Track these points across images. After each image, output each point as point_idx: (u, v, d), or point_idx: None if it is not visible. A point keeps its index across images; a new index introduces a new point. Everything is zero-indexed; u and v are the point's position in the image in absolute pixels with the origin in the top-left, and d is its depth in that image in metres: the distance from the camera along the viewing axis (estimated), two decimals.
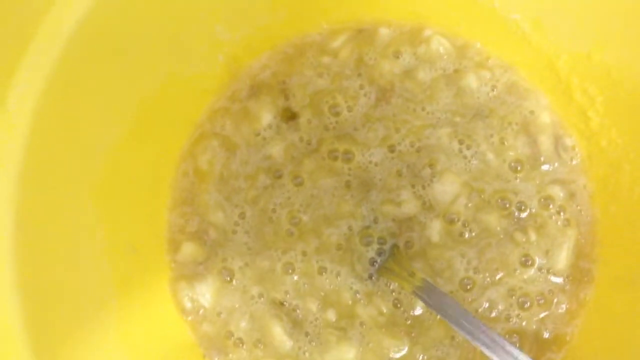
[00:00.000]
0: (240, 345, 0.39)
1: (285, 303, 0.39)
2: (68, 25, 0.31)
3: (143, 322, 0.37)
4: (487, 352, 0.34)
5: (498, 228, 0.39)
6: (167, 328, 0.39)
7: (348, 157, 0.41)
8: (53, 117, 0.32)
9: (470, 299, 0.39)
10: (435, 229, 0.39)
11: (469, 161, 0.40)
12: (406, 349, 0.39)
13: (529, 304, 0.39)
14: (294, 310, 0.39)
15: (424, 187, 0.40)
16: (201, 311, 0.40)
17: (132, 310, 0.37)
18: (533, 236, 0.39)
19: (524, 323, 0.39)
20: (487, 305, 0.39)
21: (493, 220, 0.39)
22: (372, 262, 0.39)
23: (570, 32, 0.39)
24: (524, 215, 0.40)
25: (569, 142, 0.41)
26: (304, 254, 0.40)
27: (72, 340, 0.32)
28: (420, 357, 0.38)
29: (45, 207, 0.32)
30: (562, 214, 0.40)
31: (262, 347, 0.39)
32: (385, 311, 0.39)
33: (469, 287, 0.39)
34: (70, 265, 0.34)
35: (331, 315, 0.39)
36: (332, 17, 0.43)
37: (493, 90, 0.42)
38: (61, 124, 0.32)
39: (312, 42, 0.43)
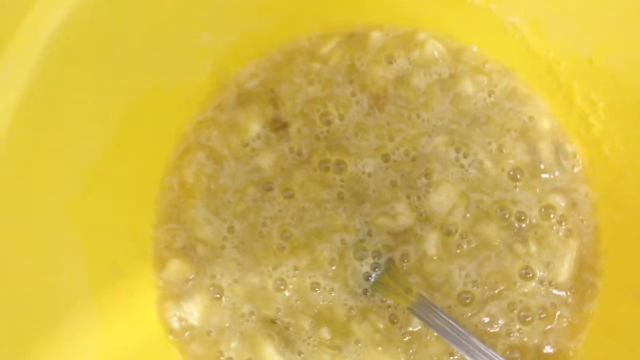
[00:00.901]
0: None
1: (277, 321, 0.38)
2: (46, 32, 0.30)
3: (128, 344, 0.36)
4: None
5: (497, 240, 0.38)
6: (154, 350, 0.37)
7: (340, 167, 0.39)
8: (30, 127, 0.30)
9: (469, 314, 0.37)
10: (432, 242, 0.38)
11: (466, 170, 0.39)
12: None
13: (530, 318, 0.37)
14: (286, 328, 0.38)
15: (419, 198, 0.39)
16: (188, 332, 0.38)
17: (116, 333, 0.35)
18: (533, 247, 0.38)
19: (525, 338, 0.37)
20: (487, 320, 0.37)
21: (492, 231, 0.38)
22: (367, 276, 0.38)
23: (570, 35, 0.38)
24: (523, 225, 0.38)
25: (569, 149, 0.40)
26: (296, 269, 0.38)
27: None
28: None
29: (18, 224, 0.30)
30: (563, 224, 0.39)
31: None
32: (381, 327, 0.37)
33: (467, 301, 0.37)
34: (48, 285, 0.32)
35: (325, 333, 0.37)
36: (322, 22, 0.41)
37: (490, 95, 0.40)
38: (38, 135, 0.31)
39: (302, 48, 0.41)
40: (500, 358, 0.33)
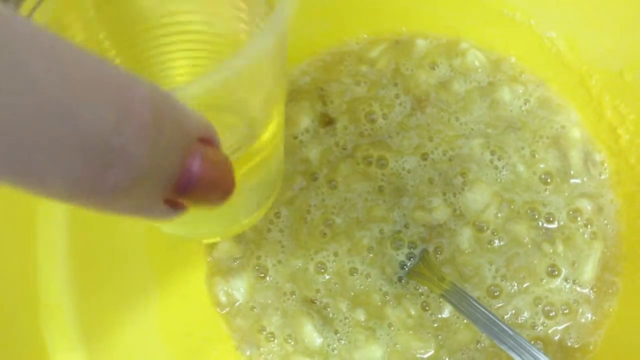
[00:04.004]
0: (272, 339, 0.40)
1: (316, 301, 0.40)
2: None
3: (181, 313, 0.39)
4: (513, 356, 0.35)
5: (526, 238, 0.41)
6: (203, 320, 0.40)
7: (382, 163, 0.42)
8: None
9: (497, 306, 0.40)
10: (465, 236, 0.41)
11: (500, 172, 0.42)
12: (432, 351, 0.40)
13: (554, 313, 0.40)
14: (325, 308, 0.40)
15: (455, 195, 0.41)
16: (234, 307, 0.41)
17: (171, 303, 0.38)
18: (560, 247, 0.40)
19: (549, 331, 0.40)
20: (513, 312, 0.40)
21: (522, 230, 0.41)
22: (402, 265, 0.41)
23: (603, 51, 0.40)
24: (552, 226, 0.41)
25: (598, 157, 0.42)
26: (336, 254, 0.41)
27: (119, 327, 0.34)
28: None
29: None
30: (589, 227, 0.41)
31: (292, 342, 0.40)
32: (413, 313, 0.40)
33: (496, 294, 0.40)
34: (117, 260, 0.35)
35: (360, 315, 0.40)
36: (371, 28, 0.44)
37: (526, 104, 0.43)
38: None
39: (351, 51, 0.44)
40: (527, 343, 0.35)
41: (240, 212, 0.34)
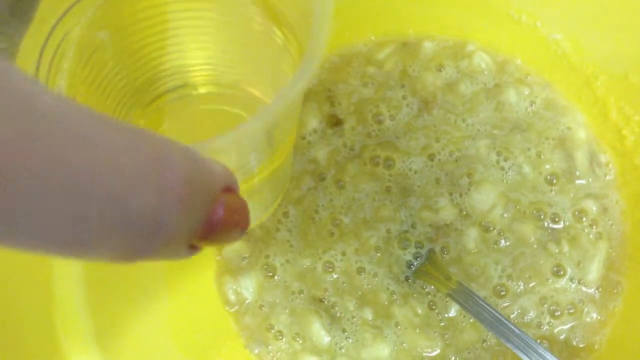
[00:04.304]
0: (280, 337, 0.40)
1: (324, 300, 0.41)
2: None
3: (190, 312, 0.39)
4: (519, 354, 0.35)
5: (532, 238, 0.41)
6: (212, 319, 0.41)
7: (389, 163, 0.43)
8: None
9: (503, 305, 0.40)
10: (471, 236, 0.41)
11: (506, 172, 0.42)
12: (439, 350, 0.40)
13: (559, 312, 0.40)
14: (333, 307, 0.41)
15: (461, 196, 0.42)
16: (243, 305, 0.41)
17: (181, 301, 0.39)
18: (566, 247, 0.41)
19: (554, 330, 0.40)
20: (519, 311, 0.40)
21: (528, 230, 0.41)
22: (409, 265, 0.41)
23: (608, 53, 0.41)
24: (557, 227, 0.41)
25: (603, 158, 0.43)
26: (344, 254, 0.41)
27: (131, 325, 0.35)
28: (453, 359, 0.40)
29: None
30: (594, 227, 0.42)
31: (300, 340, 0.40)
32: (420, 312, 0.40)
33: (502, 293, 0.40)
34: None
35: (368, 314, 0.40)
36: (379, 30, 0.45)
37: (531, 105, 0.43)
38: None
39: (359, 52, 0.45)
40: (533, 342, 0.35)
41: (254, 214, 0.34)
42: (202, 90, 0.33)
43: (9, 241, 0.13)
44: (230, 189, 0.18)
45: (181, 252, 0.18)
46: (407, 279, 0.41)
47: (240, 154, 0.25)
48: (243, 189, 0.21)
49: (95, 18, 0.28)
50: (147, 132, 0.15)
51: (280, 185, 0.37)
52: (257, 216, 0.38)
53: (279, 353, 0.40)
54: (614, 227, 0.42)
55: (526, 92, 0.44)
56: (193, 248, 0.18)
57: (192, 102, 0.33)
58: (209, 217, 0.17)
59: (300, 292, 0.41)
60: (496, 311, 0.37)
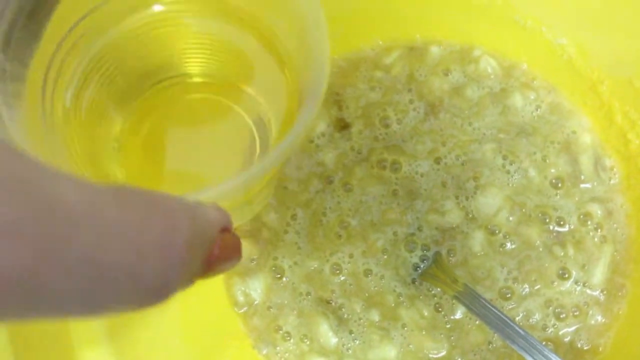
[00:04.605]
0: (288, 338, 0.41)
1: (331, 301, 0.41)
2: None
3: (200, 312, 0.40)
4: (525, 356, 0.36)
5: (538, 241, 0.41)
6: (221, 319, 0.41)
7: (396, 167, 0.43)
8: None
9: (508, 308, 0.41)
10: (477, 239, 0.41)
11: (512, 176, 0.43)
12: (445, 351, 0.40)
13: (564, 315, 0.41)
14: (340, 308, 0.41)
15: (467, 199, 0.42)
16: (251, 306, 0.42)
17: (191, 302, 0.39)
18: (571, 250, 0.41)
19: (559, 332, 0.40)
20: (524, 314, 0.41)
21: (533, 233, 0.41)
22: (416, 267, 0.41)
23: (613, 58, 0.41)
24: (563, 230, 0.42)
25: (608, 162, 0.43)
26: (351, 256, 0.42)
27: (141, 325, 0.35)
28: None
29: None
30: (599, 230, 0.42)
31: (308, 342, 0.41)
32: (426, 314, 0.41)
33: (508, 295, 0.41)
34: None
35: (375, 316, 0.41)
36: (386, 35, 0.45)
37: (537, 109, 0.44)
38: None
39: (366, 57, 0.46)
40: (538, 343, 0.36)
41: (242, 217, 0.36)
42: (197, 79, 0.35)
43: (28, 316, 0.14)
44: (225, 229, 0.20)
45: (182, 289, 0.19)
46: (413, 281, 0.41)
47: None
48: (228, 205, 0.22)
49: (99, 24, 0.28)
50: (159, 201, 0.17)
51: (270, 191, 0.39)
52: (245, 217, 0.39)
53: (287, 354, 0.41)
54: (618, 230, 0.42)
55: (532, 97, 0.44)
56: (190, 282, 0.20)
57: (187, 89, 0.35)
58: (206, 259, 0.19)
59: (308, 293, 0.42)
60: (502, 313, 0.37)
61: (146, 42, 0.31)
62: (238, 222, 0.39)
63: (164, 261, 0.16)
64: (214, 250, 0.19)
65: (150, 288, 0.16)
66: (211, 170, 0.33)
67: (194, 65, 0.34)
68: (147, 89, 0.33)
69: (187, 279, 0.18)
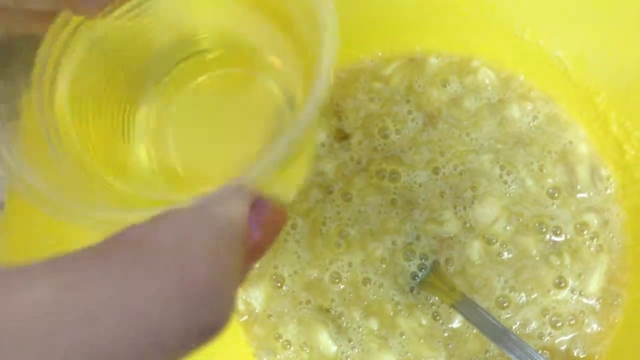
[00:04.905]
0: (288, 347, 0.42)
1: (331, 310, 0.42)
2: None
3: None
4: None
5: (534, 250, 0.42)
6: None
7: (394, 177, 0.44)
8: None
9: (505, 316, 0.41)
10: (474, 249, 0.42)
11: (509, 186, 0.43)
12: (443, 359, 0.41)
13: (560, 323, 0.41)
14: (339, 317, 0.42)
15: (465, 209, 0.43)
16: (252, 315, 0.43)
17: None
18: (567, 260, 0.42)
19: (556, 341, 0.41)
20: (521, 322, 0.41)
21: (530, 242, 0.42)
22: (414, 276, 0.42)
23: (609, 70, 0.42)
24: (559, 239, 0.42)
25: (604, 172, 0.44)
26: (350, 265, 0.42)
27: None
28: None
29: None
30: (595, 240, 0.42)
31: (308, 350, 0.41)
32: (424, 323, 0.41)
33: (505, 304, 0.41)
34: None
35: (373, 324, 0.42)
36: (386, 46, 0.46)
37: (534, 120, 0.44)
38: None
39: (366, 68, 0.46)
40: (535, 352, 0.36)
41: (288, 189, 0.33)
42: (216, 53, 0.33)
43: None
44: (259, 204, 0.19)
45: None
46: (411, 290, 0.42)
47: None
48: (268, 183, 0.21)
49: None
50: (157, 260, 0.16)
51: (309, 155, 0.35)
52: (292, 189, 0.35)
53: None
54: (614, 239, 0.43)
55: (529, 108, 0.45)
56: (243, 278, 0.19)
57: (206, 67, 0.33)
58: (246, 253, 0.18)
59: (308, 302, 0.42)
60: (499, 322, 0.38)
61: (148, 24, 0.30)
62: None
63: (211, 305, 0.16)
64: (250, 240, 0.18)
65: (212, 327, 0.16)
66: (244, 144, 0.31)
67: (209, 40, 0.32)
68: (163, 74, 0.32)
69: (238, 281, 0.17)
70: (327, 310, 0.42)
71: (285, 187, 0.32)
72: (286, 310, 0.42)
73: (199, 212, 0.17)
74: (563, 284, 0.42)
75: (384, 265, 0.42)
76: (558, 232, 0.42)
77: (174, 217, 0.17)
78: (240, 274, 0.18)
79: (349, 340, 0.41)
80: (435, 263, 0.42)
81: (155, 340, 0.14)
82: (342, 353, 0.41)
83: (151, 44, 0.31)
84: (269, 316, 0.42)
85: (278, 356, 0.42)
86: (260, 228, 0.19)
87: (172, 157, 0.31)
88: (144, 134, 0.31)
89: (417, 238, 0.43)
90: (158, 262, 0.15)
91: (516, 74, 0.45)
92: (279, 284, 0.43)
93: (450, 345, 0.41)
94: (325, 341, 0.41)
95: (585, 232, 0.42)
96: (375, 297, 0.42)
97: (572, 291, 0.42)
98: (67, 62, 0.28)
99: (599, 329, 0.41)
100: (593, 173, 0.43)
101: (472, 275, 0.42)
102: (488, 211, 0.42)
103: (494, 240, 0.42)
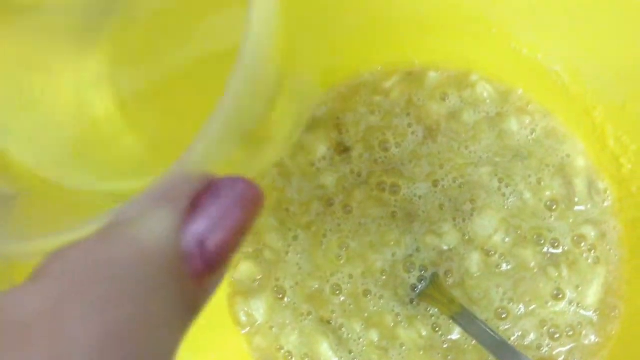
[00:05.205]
0: (290, 358, 0.42)
1: (332, 322, 0.43)
2: None
3: (204, 331, 0.41)
4: None
5: (533, 262, 0.43)
6: (225, 339, 0.42)
7: (395, 189, 0.44)
8: None
9: (504, 328, 0.42)
10: (474, 261, 0.43)
11: (508, 199, 0.44)
12: None
13: (558, 335, 0.42)
14: (340, 328, 0.42)
15: (464, 221, 0.43)
16: (254, 326, 0.43)
17: (194, 322, 0.40)
18: (565, 272, 0.42)
19: (553, 352, 0.42)
20: (519, 334, 0.42)
21: (528, 255, 0.43)
22: (414, 288, 0.43)
23: (607, 83, 0.42)
24: (557, 251, 0.43)
25: (601, 185, 0.44)
26: (351, 277, 0.43)
27: None
28: None
29: None
30: (593, 252, 0.43)
31: None
32: (424, 334, 0.42)
33: (503, 316, 0.42)
34: None
35: (374, 336, 0.42)
36: (385, 60, 0.46)
37: (532, 133, 0.45)
38: None
39: (366, 82, 0.47)
40: None
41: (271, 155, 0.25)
42: None
43: None
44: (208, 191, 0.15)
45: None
46: (411, 301, 0.42)
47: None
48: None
49: None
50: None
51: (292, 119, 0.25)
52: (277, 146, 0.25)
53: None
54: (612, 252, 0.43)
55: (527, 121, 0.45)
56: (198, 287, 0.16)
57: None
58: (194, 270, 0.15)
59: (309, 313, 0.43)
60: (497, 334, 0.38)
61: None
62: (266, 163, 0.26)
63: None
64: (196, 252, 0.15)
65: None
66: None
67: None
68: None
69: (177, 331, 0.15)
70: (328, 322, 0.43)
71: (267, 146, 0.23)
72: (288, 322, 0.43)
73: (101, 244, 0.14)
74: (561, 296, 0.42)
75: (384, 277, 0.43)
76: (556, 244, 0.43)
77: (62, 259, 0.13)
78: (187, 315, 0.15)
79: (350, 352, 0.42)
80: (435, 275, 0.42)
81: None
82: None
83: None
84: (271, 328, 0.43)
85: None
86: (220, 229, 0.15)
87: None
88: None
89: (417, 250, 0.43)
90: (30, 341, 0.12)
91: (514, 88, 0.46)
92: (281, 296, 0.43)
93: (449, 357, 0.42)
94: (326, 352, 0.42)
95: (582, 245, 0.43)
96: (375, 308, 0.43)
97: (570, 303, 0.42)
98: None
99: (596, 340, 0.42)
100: (590, 186, 0.44)
101: (471, 287, 0.42)
102: (487, 223, 0.43)
103: (493, 252, 0.43)
